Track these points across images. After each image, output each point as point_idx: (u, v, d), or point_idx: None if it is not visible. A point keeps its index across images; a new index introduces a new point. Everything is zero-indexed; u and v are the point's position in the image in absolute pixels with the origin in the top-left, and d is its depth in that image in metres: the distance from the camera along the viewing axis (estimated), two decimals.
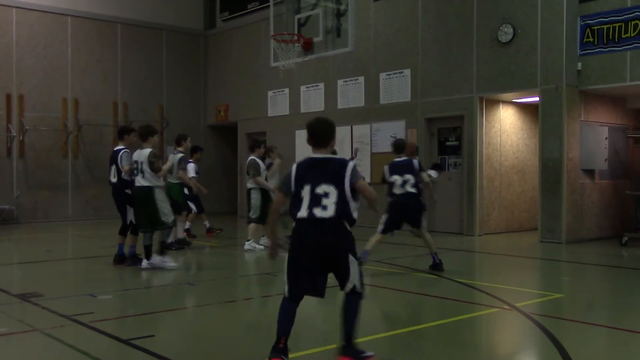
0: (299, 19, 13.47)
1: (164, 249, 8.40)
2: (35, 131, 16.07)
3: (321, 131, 4.41)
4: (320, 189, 4.10)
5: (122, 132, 8.88)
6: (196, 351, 4.76)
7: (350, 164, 4.21)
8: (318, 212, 4.07)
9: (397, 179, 8.25)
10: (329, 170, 4.17)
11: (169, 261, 8.36)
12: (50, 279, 7.93)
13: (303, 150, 15.89)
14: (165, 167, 8.44)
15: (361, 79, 14.54)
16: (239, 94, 18.05)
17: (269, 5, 14.06)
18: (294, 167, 4.30)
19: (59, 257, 9.96)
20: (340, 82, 15.04)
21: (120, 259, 8.73)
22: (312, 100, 15.79)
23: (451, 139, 13.15)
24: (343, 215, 4.09)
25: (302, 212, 4.10)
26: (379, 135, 14.08)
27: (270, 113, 17.03)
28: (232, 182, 18.49)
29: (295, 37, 13.03)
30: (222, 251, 10.82)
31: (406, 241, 10.76)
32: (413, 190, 8.17)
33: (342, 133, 14.85)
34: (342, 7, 12.89)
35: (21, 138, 15.87)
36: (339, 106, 15.08)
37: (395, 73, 13.80)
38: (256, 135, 17.78)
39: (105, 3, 17.34)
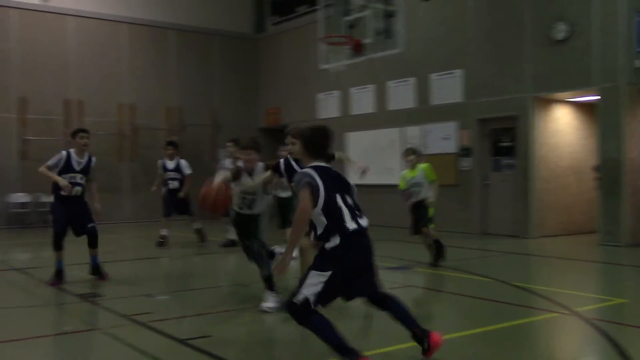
0: (348, 21, 13.46)
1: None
2: (93, 135, 16.45)
3: (330, 140, 4.32)
4: (349, 200, 4.13)
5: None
6: (252, 352, 4.80)
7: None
8: (363, 222, 4.11)
9: None
10: (342, 180, 4.20)
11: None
12: (109, 279, 8.13)
13: (354, 152, 15.89)
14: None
15: (411, 80, 14.43)
16: (290, 97, 18.17)
17: (318, 8, 14.10)
18: (316, 174, 4.04)
19: (118, 259, 10.21)
20: (390, 84, 14.97)
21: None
22: (362, 102, 15.76)
23: (505, 139, 12.92)
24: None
25: (351, 224, 4.02)
26: (431, 137, 13.95)
27: (320, 115, 17.08)
28: None
29: (345, 39, 13.02)
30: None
31: (456, 244, 10.63)
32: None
33: (392, 135, 14.78)
34: (392, 8, 12.82)
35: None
36: (389, 108, 15.02)
37: (446, 73, 13.65)
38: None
39: (160, 10, 17.74)
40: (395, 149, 14.35)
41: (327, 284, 3.94)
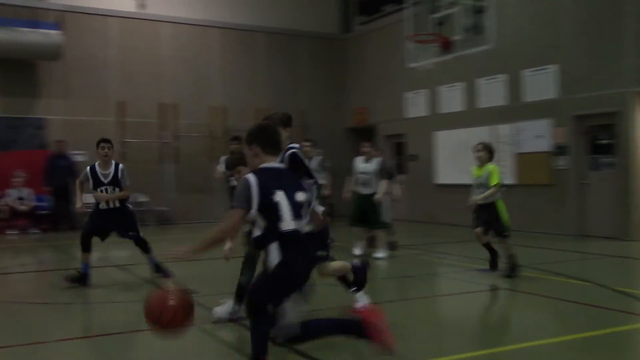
0: (436, 19, 13.26)
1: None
2: (187, 137, 17.15)
3: (277, 136, 4.03)
4: (296, 199, 3.80)
5: None
6: (343, 352, 4.82)
7: None
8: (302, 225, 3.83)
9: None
10: (292, 179, 3.97)
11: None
12: (203, 277, 8.38)
13: (442, 151, 15.65)
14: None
15: (502, 76, 14.04)
16: (377, 96, 18.12)
17: (405, 7, 13.98)
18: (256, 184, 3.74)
19: (211, 257, 10.49)
20: (480, 81, 14.63)
21: None
22: (452, 100, 15.50)
23: (603, 137, 12.33)
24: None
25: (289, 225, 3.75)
26: (523, 135, 13.53)
27: (408, 114, 16.93)
28: None
29: (433, 37, 12.85)
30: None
31: (551, 245, 10.24)
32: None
33: (482, 134, 14.43)
34: (482, 4, 12.52)
35: (175, 144, 17.02)
36: (479, 105, 14.68)
37: (540, 69, 13.19)
38: (394, 137, 17.77)
39: (249, 14, 18.15)
40: None
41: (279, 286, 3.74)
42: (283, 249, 3.67)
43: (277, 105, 18.35)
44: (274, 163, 3.88)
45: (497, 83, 14.21)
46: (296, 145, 5.15)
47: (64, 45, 15.13)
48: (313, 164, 10.90)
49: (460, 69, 14.74)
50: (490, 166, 7.90)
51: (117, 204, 7.60)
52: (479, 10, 12.59)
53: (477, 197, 7.81)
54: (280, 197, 3.69)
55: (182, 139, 17.08)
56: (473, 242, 9.56)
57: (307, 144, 11.07)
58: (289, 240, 3.69)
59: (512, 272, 7.73)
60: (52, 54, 15.04)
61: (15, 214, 14.41)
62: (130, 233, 7.69)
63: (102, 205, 7.53)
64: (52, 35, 14.89)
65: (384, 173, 9.79)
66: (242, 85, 18.03)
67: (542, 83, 13.17)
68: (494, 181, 7.79)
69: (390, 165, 10.20)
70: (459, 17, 12.36)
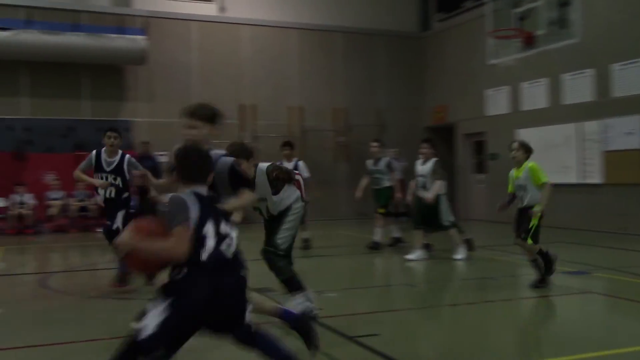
0: (518, 13, 12.88)
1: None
2: (266, 138, 17.38)
3: (207, 161, 3.55)
4: (223, 228, 3.34)
5: None
6: (420, 352, 4.73)
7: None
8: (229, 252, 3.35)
9: None
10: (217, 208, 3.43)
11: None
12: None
13: None
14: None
15: (590, 71, 13.46)
16: (456, 94, 17.78)
17: (485, 2, 13.64)
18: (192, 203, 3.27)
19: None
20: (565, 76, 14.08)
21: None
22: (534, 96, 14.99)
23: None
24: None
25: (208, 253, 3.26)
26: (612, 132, 12.91)
27: (488, 112, 16.52)
28: (449, 185, 18.25)
29: (515, 32, 12.48)
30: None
31: (637, 247, 9.72)
32: None
33: (567, 131, 13.90)
34: None
35: (254, 145, 17.29)
36: (564, 102, 14.13)
37: (630, 63, 12.56)
38: (474, 136, 17.38)
39: (327, 14, 18.23)
40: (571, 146, 13.50)
41: (165, 323, 3.12)
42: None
43: (354, 104, 18.38)
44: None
45: (583, 78, 13.64)
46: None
47: (148, 49, 15.67)
48: (380, 165, 10.79)
49: (543, 65, 14.22)
50: (530, 164, 6.99)
51: (113, 194, 7.30)
52: (564, 3, 12.12)
53: (538, 206, 6.81)
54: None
55: (260, 139, 17.33)
56: (558, 243, 9.22)
57: (375, 144, 10.92)
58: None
59: (540, 283, 6.96)
60: (138, 58, 15.62)
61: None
62: (108, 222, 7.24)
63: (102, 191, 7.25)
64: (138, 41, 15.46)
65: (439, 173, 9.47)
66: (320, 86, 18.12)
67: (632, 77, 12.53)
68: (542, 179, 6.87)
69: (442, 166, 9.75)
70: (542, 10, 11.93)
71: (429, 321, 5.86)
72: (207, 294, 3.16)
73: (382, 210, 10.60)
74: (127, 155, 7.34)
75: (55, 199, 14.82)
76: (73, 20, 15.27)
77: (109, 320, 5.91)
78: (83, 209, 14.94)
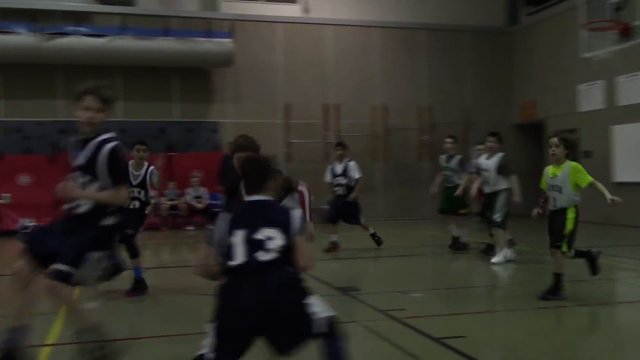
0: (613, 4, 12.29)
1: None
2: (349, 137, 17.38)
3: (264, 172, 3.66)
4: (257, 236, 3.39)
5: None
6: (509, 356, 4.59)
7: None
8: (263, 257, 3.36)
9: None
10: (263, 215, 3.51)
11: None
12: (365, 274, 8.45)
13: (621, 147, 14.45)
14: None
15: None
16: (546, 90, 17.15)
17: None
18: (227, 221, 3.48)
19: (373, 255, 10.55)
20: None
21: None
22: (632, 91, 14.21)
23: None
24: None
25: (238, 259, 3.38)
26: None
27: (581, 108, 15.82)
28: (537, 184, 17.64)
29: (611, 24, 11.92)
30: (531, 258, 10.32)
31: None
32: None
33: None
34: None
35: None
36: None
37: None
38: (566, 132, 16.68)
39: (411, 12, 18.04)
40: None
41: (215, 330, 3.23)
42: None
43: (438, 102, 18.10)
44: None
45: None
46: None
47: (234, 52, 16.02)
48: (452, 162, 10.48)
49: None
50: (572, 163, 6.38)
51: (137, 205, 7.20)
52: None
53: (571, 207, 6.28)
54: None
55: (344, 139, 17.32)
56: None
57: (449, 140, 10.64)
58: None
59: (552, 294, 6.30)
60: (225, 61, 16.00)
61: (192, 211, 15.54)
62: (128, 231, 7.00)
63: (130, 205, 7.05)
64: (225, 44, 15.85)
65: (505, 169, 8.97)
66: (403, 84, 17.96)
67: None
68: (588, 178, 6.27)
69: (510, 160, 9.23)
70: None
71: (518, 324, 5.66)
72: (242, 298, 3.20)
73: (464, 211, 10.32)
74: (151, 168, 7.35)
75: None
76: (163, 26, 15.84)
77: (196, 316, 6.07)
78: (173, 207, 15.48)
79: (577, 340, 5.06)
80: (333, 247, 10.26)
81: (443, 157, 10.67)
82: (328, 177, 10.69)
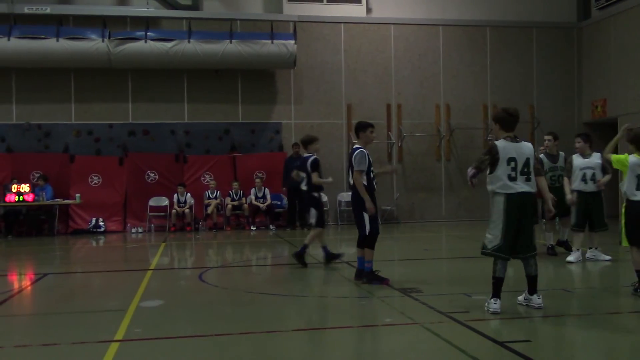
0: None
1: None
2: (412, 137, 17.24)
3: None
4: None
5: None
6: None
7: None
8: None
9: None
10: None
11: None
12: (427, 276, 8.33)
13: None
14: None
15: None
16: (619, 87, 16.50)
17: None
18: None
19: (435, 256, 10.41)
20: None
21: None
22: None
23: None
24: None
25: None
26: None
27: None
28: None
29: None
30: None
31: None
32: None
33: None
34: None
35: (399, 144, 17.21)
36: None
37: None
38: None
39: (474, 9, 17.72)
40: None
41: None
42: None
43: (505, 100, 17.66)
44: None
45: None
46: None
47: (297, 53, 16.11)
48: (560, 160, 9.70)
49: None
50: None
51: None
52: None
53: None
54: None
55: (406, 138, 17.22)
56: None
57: (548, 137, 9.90)
58: None
59: None
60: (289, 62, 16.12)
61: (255, 211, 15.73)
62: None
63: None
64: (288, 45, 15.96)
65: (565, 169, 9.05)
66: (467, 82, 17.65)
67: None
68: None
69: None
70: None
71: (586, 330, 5.45)
72: None
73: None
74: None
75: (212, 198, 15.69)
76: (228, 29, 16.10)
77: (259, 315, 6.13)
78: (236, 207, 15.71)
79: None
80: None
81: (542, 156, 9.62)
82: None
